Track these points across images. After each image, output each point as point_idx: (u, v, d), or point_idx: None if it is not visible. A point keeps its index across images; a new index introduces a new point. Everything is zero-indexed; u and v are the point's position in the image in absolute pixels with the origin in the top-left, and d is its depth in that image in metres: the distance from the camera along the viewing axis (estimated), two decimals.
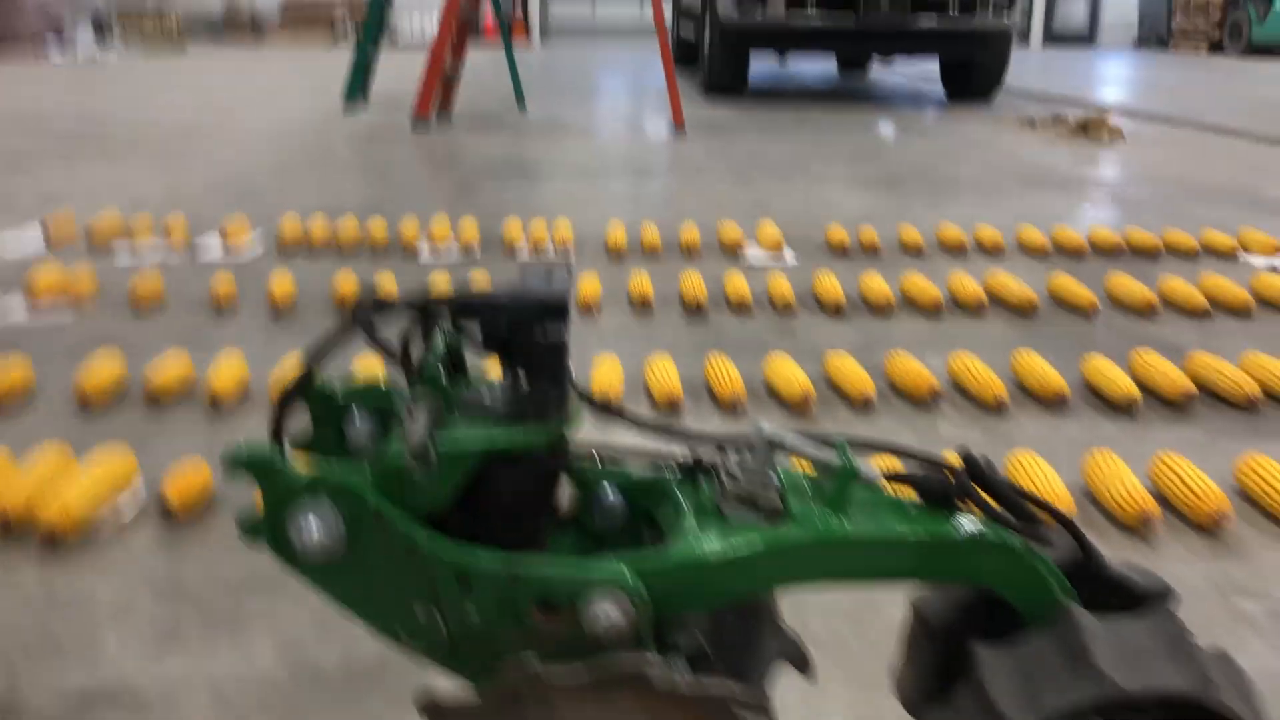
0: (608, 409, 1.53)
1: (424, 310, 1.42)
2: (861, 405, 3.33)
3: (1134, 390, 3.32)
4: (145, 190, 6.66)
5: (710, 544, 1.37)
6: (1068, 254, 5.27)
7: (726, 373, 3.39)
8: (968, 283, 4.46)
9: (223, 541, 2.48)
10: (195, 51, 22.62)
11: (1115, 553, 2.45)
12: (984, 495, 1.44)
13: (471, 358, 1.47)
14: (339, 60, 15.19)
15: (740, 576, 1.38)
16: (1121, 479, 2.63)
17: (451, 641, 1.36)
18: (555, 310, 1.33)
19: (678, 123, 9.94)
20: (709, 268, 4.82)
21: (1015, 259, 5.24)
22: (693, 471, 1.53)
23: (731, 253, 5.13)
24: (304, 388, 1.41)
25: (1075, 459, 2.87)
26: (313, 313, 4.20)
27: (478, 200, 6.47)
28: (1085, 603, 1.48)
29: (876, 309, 4.33)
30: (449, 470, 1.32)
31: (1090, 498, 2.72)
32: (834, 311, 4.30)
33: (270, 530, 1.30)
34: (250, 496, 2.53)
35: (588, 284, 4.37)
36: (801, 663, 1.66)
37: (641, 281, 4.43)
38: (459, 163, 8.14)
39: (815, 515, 1.40)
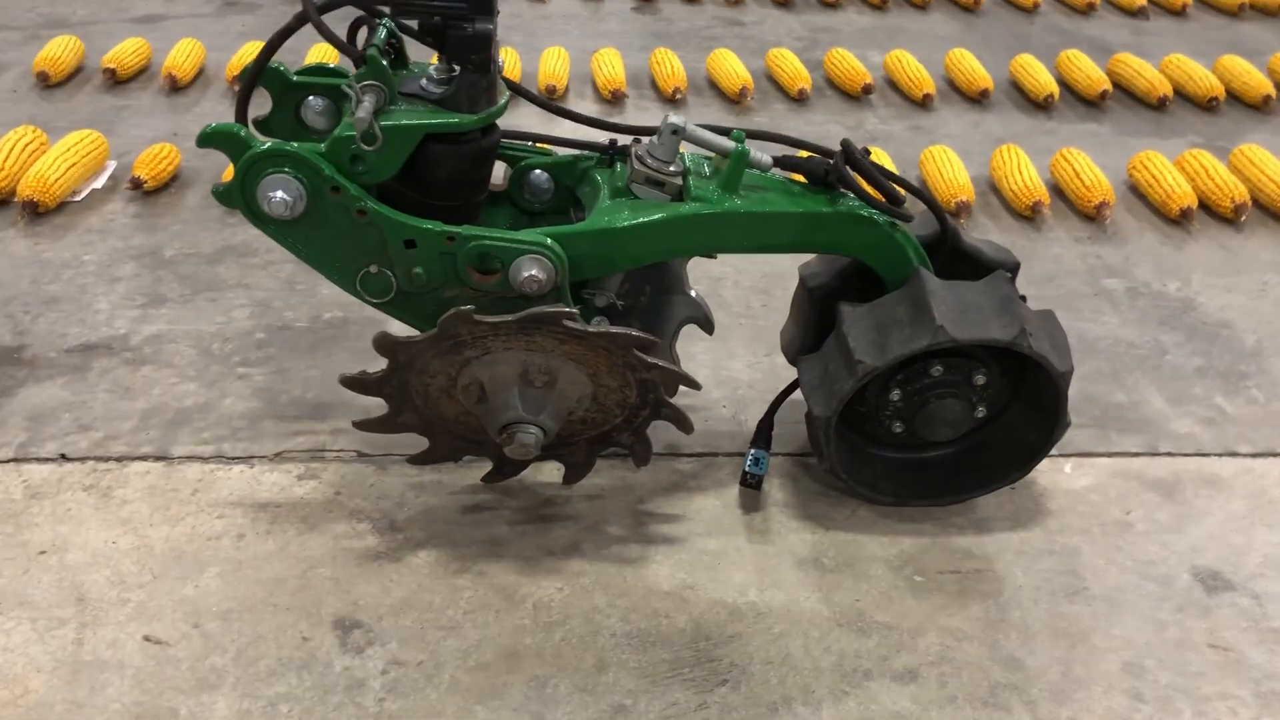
0: (531, 96, 1.73)
1: (368, 6, 1.59)
2: (797, 99, 3.50)
3: (1054, 87, 3.50)
4: None
5: (619, 216, 1.61)
6: None
7: (670, 65, 3.52)
8: None
9: (195, 216, 2.70)
10: None
11: (1006, 237, 2.74)
12: (857, 179, 1.68)
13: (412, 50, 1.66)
14: None
15: (645, 243, 1.63)
16: (1021, 170, 2.87)
17: (402, 295, 1.62)
18: (482, 5, 1.50)
19: None
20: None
21: None
22: (610, 157, 1.75)
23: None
24: (262, 71, 1.60)
25: (988, 153, 3.09)
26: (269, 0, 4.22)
27: None
28: (940, 272, 1.76)
29: (826, 1, 4.40)
30: (392, 147, 1.53)
31: (992, 187, 2.97)
32: (782, 2, 4.36)
33: (241, 195, 1.53)
34: (217, 172, 2.73)
35: None
36: (706, 324, 1.95)
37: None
38: None
39: (711, 193, 1.64)
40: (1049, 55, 3.79)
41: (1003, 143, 3.09)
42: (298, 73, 1.69)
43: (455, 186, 1.62)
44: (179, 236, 2.61)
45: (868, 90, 3.54)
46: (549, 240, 1.57)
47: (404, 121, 1.52)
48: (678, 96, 3.44)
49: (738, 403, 2.13)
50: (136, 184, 2.74)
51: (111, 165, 2.88)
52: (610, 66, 3.50)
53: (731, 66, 3.53)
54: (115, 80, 3.38)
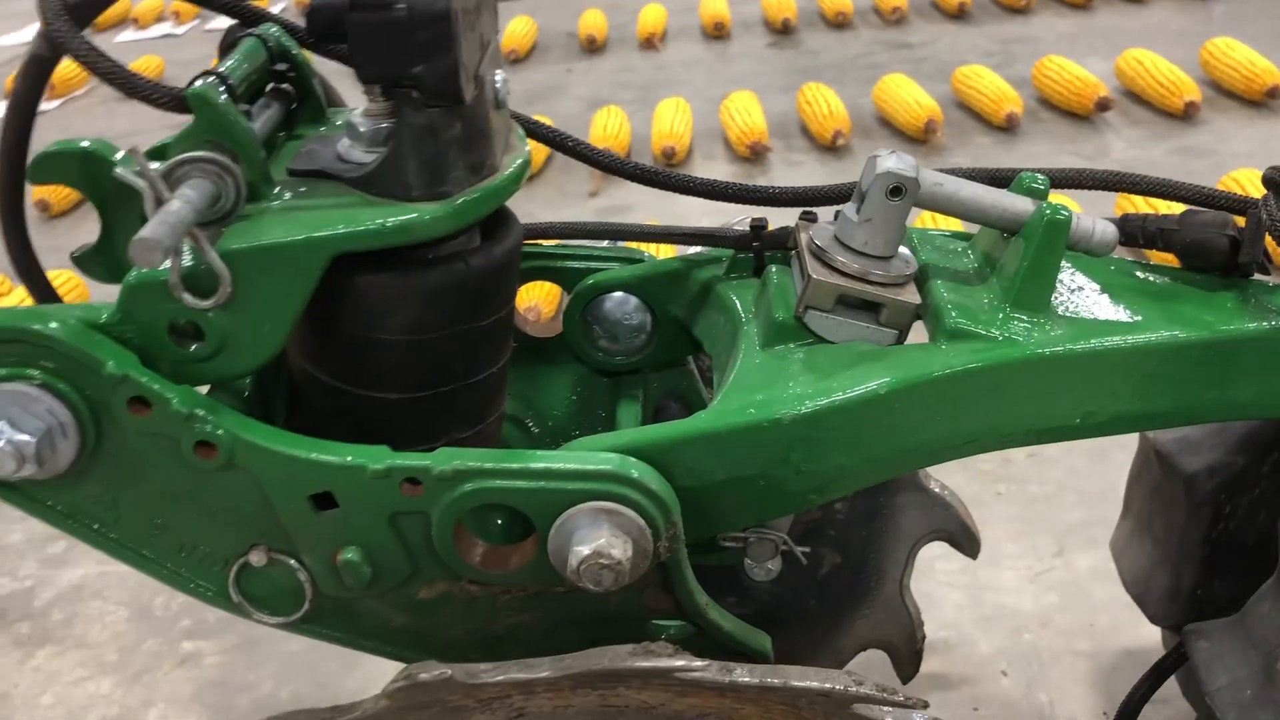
0: (571, 147, 0.85)
1: None
2: (1005, 126, 2.56)
3: None
4: None
5: (787, 387, 0.72)
6: None
7: (826, 104, 2.62)
8: None
9: None
10: None
11: None
12: None
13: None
14: None
15: (850, 447, 0.72)
16: None
17: (328, 604, 0.75)
18: None
19: None
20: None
21: None
22: (755, 250, 0.86)
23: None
24: (24, 146, 0.77)
25: None
26: None
27: None
28: None
29: (1010, 4, 3.46)
30: (262, 296, 0.67)
31: None
32: (956, 12, 3.43)
33: None
34: None
35: (648, 11, 3.57)
36: (966, 541, 1.03)
37: (714, 1, 3.61)
38: None
39: (994, 315, 0.73)
40: None
41: None
42: (150, 152, 0.84)
43: (427, 361, 0.75)
44: None
45: (1103, 106, 2.57)
46: (629, 465, 0.68)
47: (279, 235, 0.67)
48: (839, 143, 2.55)
49: (1025, 659, 1.19)
50: None
51: None
52: (746, 114, 2.63)
53: (910, 95, 2.62)
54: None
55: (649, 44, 3.48)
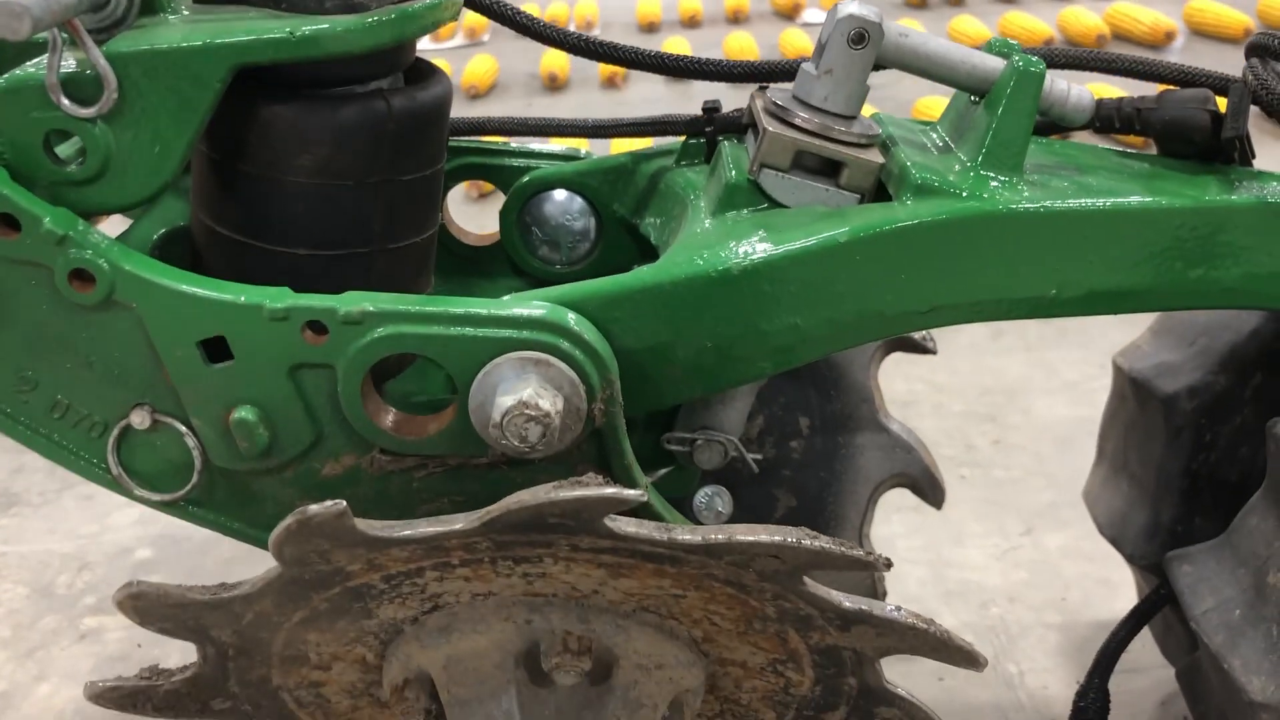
0: (505, 16, 0.79)
1: None
2: None
3: None
4: None
5: (737, 241, 0.65)
6: None
7: None
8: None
9: None
10: None
11: None
12: None
13: None
14: None
15: (802, 307, 0.66)
16: None
17: (216, 478, 0.67)
18: None
19: None
20: (761, 31, 3.95)
21: None
22: (706, 136, 0.80)
23: (788, 13, 4.26)
24: None
25: None
26: None
27: None
28: None
29: None
30: (157, 104, 0.61)
31: None
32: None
33: None
34: None
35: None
36: (928, 486, 0.96)
37: (678, 46, 3.62)
38: None
39: (964, 178, 0.67)
40: None
41: None
42: None
43: (341, 212, 0.68)
44: None
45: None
46: (564, 313, 0.61)
47: (173, 41, 0.60)
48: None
49: (992, 631, 1.12)
50: None
51: None
52: None
53: None
54: None
55: (611, 83, 3.47)
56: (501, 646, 0.66)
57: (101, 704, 0.71)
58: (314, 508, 0.56)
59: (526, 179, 0.86)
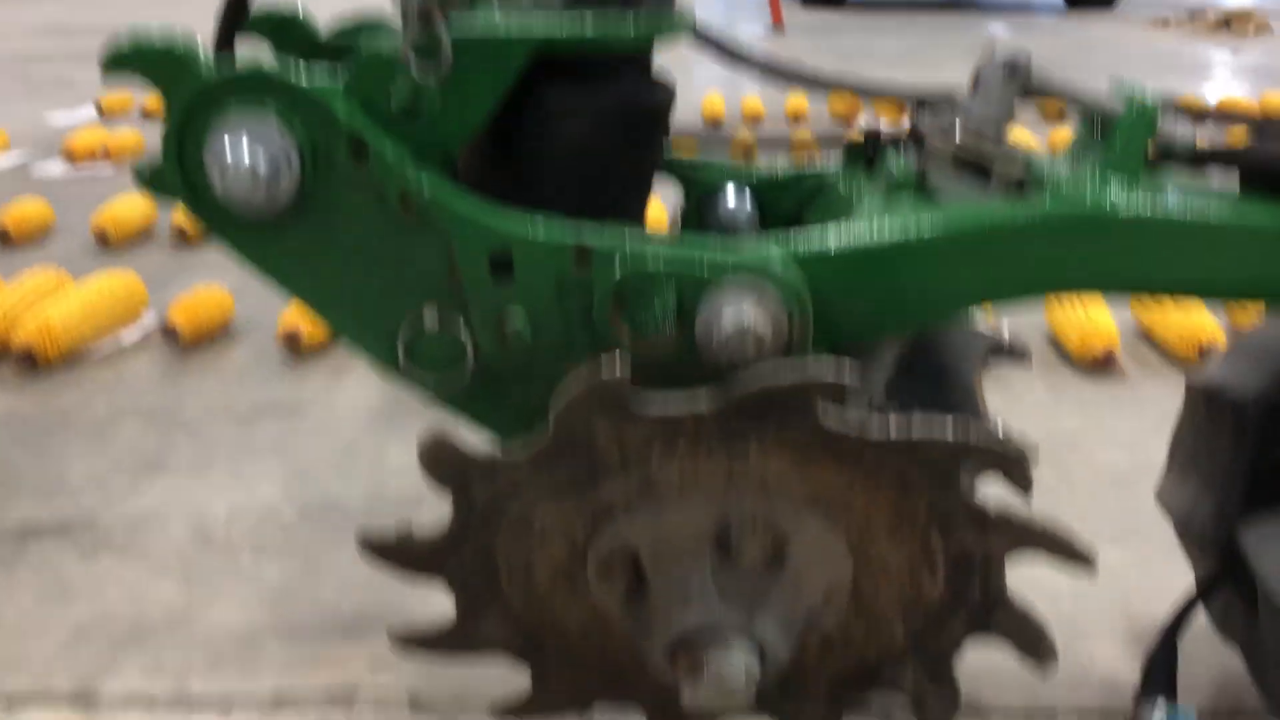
0: (721, 45, 0.97)
1: None
2: None
3: None
4: None
5: (915, 217, 0.82)
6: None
7: None
8: None
9: (238, 372, 2.00)
10: None
11: None
12: None
13: None
14: None
15: (960, 275, 0.83)
16: None
17: (484, 375, 0.83)
18: None
19: (776, 21, 9.23)
20: (822, 130, 4.20)
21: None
22: (869, 154, 0.98)
23: (845, 121, 4.51)
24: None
25: None
26: None
27: None
28: None
29: None
30: (475, 76, 0.79)
31: None
32: None
33: (178, 161, 0.78)
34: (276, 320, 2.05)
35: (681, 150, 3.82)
36: (1017, 351, 1.10)
37: (745, 138, 3.86)
38: None
39: (1085, 183, 0.84)
40: None
41: None
42: (338, 34, 0.98)
43: (596, 175, 0.86)
44: (207, 394, 1.90)
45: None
46: (778, 256, 0.78)
47: (495, 24, 0.79)
48: None
49: (1064, 623, 1.25)
50: (169, 333, 2.07)
51: (150, 316, 2.22)
52: None
53: None
54: (185, 240, 2.81)
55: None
56: (700, 526, 0.81)
57: (366, 550, 0.85)
58: (602, 372, 0.73)
59: (703, 177, 1.03)
